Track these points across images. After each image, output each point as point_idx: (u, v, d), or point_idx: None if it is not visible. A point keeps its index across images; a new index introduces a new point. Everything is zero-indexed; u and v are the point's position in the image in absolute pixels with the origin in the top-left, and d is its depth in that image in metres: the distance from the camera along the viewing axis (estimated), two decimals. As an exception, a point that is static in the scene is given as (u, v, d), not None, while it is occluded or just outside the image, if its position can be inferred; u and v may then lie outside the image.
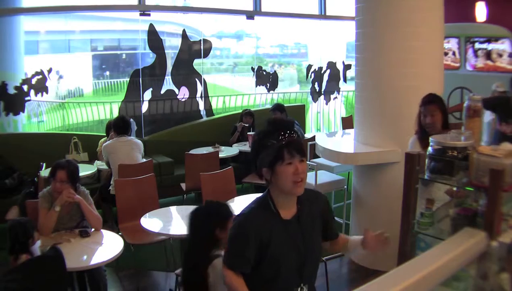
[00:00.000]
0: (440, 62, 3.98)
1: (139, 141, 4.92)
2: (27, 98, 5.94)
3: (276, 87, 7.92)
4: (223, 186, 4.25)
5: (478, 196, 1.64)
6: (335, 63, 8.47)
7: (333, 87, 8.51)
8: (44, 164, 4.66)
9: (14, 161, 5.15)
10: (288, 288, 1.79)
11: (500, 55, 6.57)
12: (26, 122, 6.24)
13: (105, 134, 5.41)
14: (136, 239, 3.70)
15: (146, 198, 4.02)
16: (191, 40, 6.89)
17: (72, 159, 5.34)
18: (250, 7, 7.27)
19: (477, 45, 6.88)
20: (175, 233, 3.31)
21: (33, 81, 5.95)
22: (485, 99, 3.20)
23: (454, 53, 7.12)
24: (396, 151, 3.69)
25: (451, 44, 7.12)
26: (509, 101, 3.65)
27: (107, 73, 7.78)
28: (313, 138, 5.07)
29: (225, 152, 5.79)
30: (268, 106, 7.36)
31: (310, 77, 8.33)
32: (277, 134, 1.71)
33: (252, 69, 7.70)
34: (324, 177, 4.52)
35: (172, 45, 6.89)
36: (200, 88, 6.98)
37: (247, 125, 6.14)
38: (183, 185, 5.11)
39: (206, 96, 7.07)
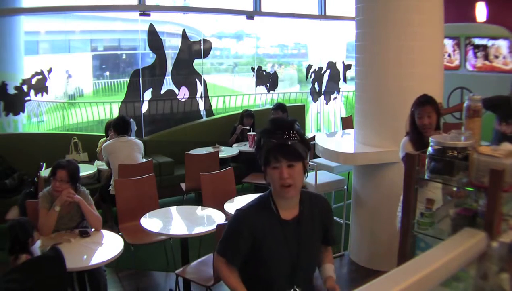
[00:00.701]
0: (440, 62, 3.98)
1: (139, 142, 4.92)
2: (27, 98, 5.94)
3: (276, 87, 7.92)
4: (223, 186, 4.25)
5: (478, 196, 1.64)
6: (335, 63, 8.47)
7: (333, 87, 8.51)
8: (44, 164, 4.66)
9: (14, 161, 5.15)
10: (280, 289, 1.79)
11: (496, 57, 6.59)
12: (26, 123, 6.24)
13: (105, 134, 5.41)
14: (136, 239, 3.70)
15: (146, 198, 4.02)
16: (191, 40, 6.89)
17: (72, 159, 5.36)
18: (250, 7, 7.27)
19: (476, 44, 6.88)
20: (175, 233, 3.31)
21: (33, 81, 5.96)
22: (485, 99, 3.21)
23: (449, 55, 7.13)
24: (396, 151, 3.67)
25: (446, 46, 7.11)
26: (509, 101, 3.65)
27: (107, 73, 7.77)
28: (313, 138, 5.07)
29: (225, 152, 5.79)
30: (268, 106, 7.37)
31: (310, 77, 8.33)
32: (271, 135, 1.69)
33: (252, 69, 7.70)
34: (324, 177, 4.52)
35: (172, 45, 6.89)
36: (200, 88, 6.98)
37: (247, 128, 6.12)
38: (183, 185, 5.11)
39: (206, 96, 7.07)
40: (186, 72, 6.89)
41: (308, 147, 1.79)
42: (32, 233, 2.86)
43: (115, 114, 6.55)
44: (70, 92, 6.87)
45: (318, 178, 4.29)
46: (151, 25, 6.39)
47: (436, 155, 1.69)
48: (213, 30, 7.81)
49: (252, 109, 6.74)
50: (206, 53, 7.01)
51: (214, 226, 3.05)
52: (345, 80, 8.56)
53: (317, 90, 8.39)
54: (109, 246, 3.03)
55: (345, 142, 4.75)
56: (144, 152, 5.04)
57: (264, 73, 7.79)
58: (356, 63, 4.15)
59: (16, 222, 2.93)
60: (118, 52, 7.73)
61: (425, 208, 1.81)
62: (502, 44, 6.25)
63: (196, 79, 6.95)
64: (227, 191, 4.19)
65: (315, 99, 8.44)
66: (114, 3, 6.15)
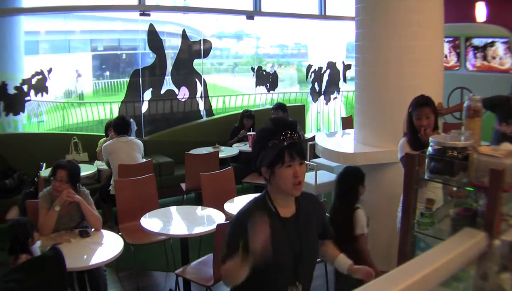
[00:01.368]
0: (440, 62, 3.97)
1: (139, 142, 4.92)
2: (27, 98, 5.94)
3: (276, 87, 7.92)
4: (223, 186, 4.25)
5: (478, 196, 1.64)
6: (335, 63, 8.47)
7: (333, 87, 8.51)
8: (44, 164, 4.67)
9: (14, 161, 5.15)
10: (283, 286, 1.79)
11: (494, 58, 6.65)
12: (26, 122, 6.24)
13: (105, 134, 5.41)
14: (136, 239, 3.70)
15: (146, 198, 4.02)
16: (191, 40, 6.89)
17: (72, 159, 5.36)
18: (250, 7, 7.27)
19: (475, 46, 6.91)
20: (175, 233, 3.31)
21: (33, 81, 5.96)
22: (485, 99, 3.21)
23: (446, 56, 7.15)
24: (396, 151, 3.68)
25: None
26: (509, 101, 3.65)
27: (107, 73, 7.78)
28: (313, 138, 5.07)
29: (225, 152, 5.79)
30: (268, 106, 7.37)
31: (310, 77, 8.33)
32: (280, 134, 1.68)
33: (252, 69, 7.70)
34: (324, 177, 4.52)
35: (172, 45, 6.89)
36: (200, 88, 6.98)
37: (252, 134, 6.09)
38: (183, 185, 5.11)
39: (206, 96, 7.07)
40: (186, 72, 6.89)
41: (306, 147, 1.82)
42: (32, 233, 2.86)
43: (115, 114, 6.55)
44: (78, 91, 6.95)
45: (318, 178, 4.29)
46: (151, 25, 6.39)
47: (436, 155, 1.69)
48: (213, 30, 7.82)
49: (252, 109, 6.74)
50: (206, 53, 7.01)
51: (214, 226, 3.05)
52: (345, 80, 8.56)
53: (317, 90, 8.38)
54: (109, 246, 3.03)
55: (345, 142, 4.74)
56: (144, 151, 5.04)
57: (264, 73, 7.79)
58: (356, 63, 4.15)
59: (16, 222, 2.93)
60: (118, 52, 7.74)
61: (425, 208, 1.81)
62: (499, 46, 6.38)
63: (196, 79, 6.95)
64: (227, 191, 4.19)
65: (315, 99, 8.44)
66: (114, 3, 6.15)
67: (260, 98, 7.95)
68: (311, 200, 1.93)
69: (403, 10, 3.70)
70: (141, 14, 6.24)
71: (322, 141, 4.40)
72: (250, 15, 7.24)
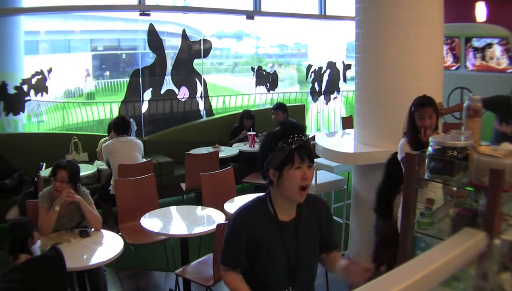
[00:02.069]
0: (440, 62, 3.97)
1: (139, 142, 4.92)
2: (27, 98, 5.94)
3: (276, 87, 7.92)
4: (223, 186, 4.25)
5: (478, 196, 1.64)
6: (335, 63, 8.47)
7: (333, 87, 8.51)
8: (44, 164, 4.67)
9: (14, 161, 5.15)
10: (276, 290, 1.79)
11: (491, 58, 6.74)
12: (26, 122, 6.24)
13: (105, 134, 5.41)
14: (136, 239, 3.70)
15: (146, 198, 4.02)
16: (191, 40, 6.90)
17: (72, 158, 5.36)
18: (250, 7, 7.27)
19: (474, 45, 6.95)
20: (175, 233, 3.32)
21: (33, 81, 5.96)
22: (485, 99, 3.21)
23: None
24: (396, 151, 3.68)
25: None
26: (510, 101, 3.65)
27: (107, 73, 7.77)
28: (313, 138, 5.06)
29: (225, 152, 5.79)
30: (268, 106, 7.37)
31: (310, 77, 8.33)
32: (289, 137, 1.69)
33: (252, 69, 7.70)
34: (324, 177, 4.52)
35: (172, 45, 6.89)
36: (200, 88, 6.98)
37: (252, 134, 6.08)
38: (183, 185, 5.11)
39: (206, 96, 7.07)
40: (186, 72, 6.89)
41: None
42: (32, 233, 2.86)
43: (115, 114, 6.55)
44: (87, 90, 7.03)
45: (318, 177, 4.29)
46: (151, 25, 6.39)
47: (436, 155, 1.69)
48: (213, 30, 7.81)
49: (252, 109, 6.74)
50: (206, 53, 7.01)
51: (214, 226, 3.05)
52: (345, 80, 8.56)
53: (317, 90, 8.39)
54: (109, 246, 3.03)
55: (345, 142, 4.74)
56: (144, 151, 5.04)
57: (264, 73, 7.79)
58: (356, 63, 4.15)
59: (16, 222, 2.93)
60: (118, 52, 7.73)
61: (425, 208, 1.81)
62: (497, 48, 6.54)
63: (196, 79, 6.95)
64: (227, 190, 4.19)
65: (315, 99, 8.45)
66: (114, 3, 6.15)
67: (260, 98, 7.95)
68: (318, 205, 1.90)
69: (403, 10, 3.70)
70: (141, 14, 6.24)
71: (322, 141, 4.40)
72: (250, 15, 7.24)
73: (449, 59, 7.20)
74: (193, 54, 6.91)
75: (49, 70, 6.05)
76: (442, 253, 1.32)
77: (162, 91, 6.69)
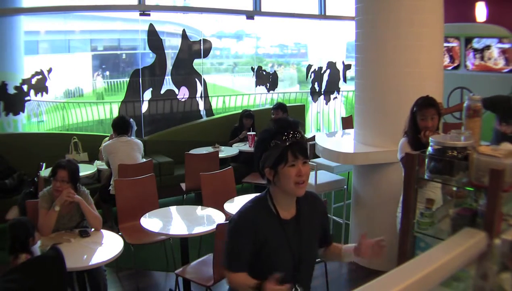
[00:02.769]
0: (440, 62, 3.98)
1: (139, 142, 4.92)
2: (27, 98, 5.94)
3: (276, 87, 7.92)
4: (223, 186, 4.25)
5: (478, 196, 1.64)
6: (335, 63, 8.47)
7: (333, 87, 8.51)
8: (44, 164, 4.67)
9: (14, 161, 5.15)
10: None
11: (489, 58, 6.84)
12: (26, 122, 6.24)
13: (105, 134, 5.41)
14: (136, 239, 3.70)
15: (146, 198, 4.02)
16: (191, 40, 6.90)
17: (72, 158, 5.35)
18: (250, 7, 7.27)
19: (474, 46, 7.00)
20: (175, 233, 3.31)
21: (33, 81, 5.96)
22: (485, 99, 3.21)
23: None
24: (396, 151, 3.68)
25: None
26: (510, 101, 3.64)
27: (107, 73, 7.77)
28: (313, 138, 5.07)
29: (225, 152, 5.79)
30: (268, 106, 7.37)
31: (310, 77, 8.33)
32: (282, 134, 1.69)
33: (252, 69, 7.70)
34: (324, 177, 4.52)
35: (172, 45, 6.89)
36: (200, 88, 6.98)
37: (252, 133, 6.08)
38: (183, 185, 5.11)
39: (206, 96, 7.07)
40: (186, 72, 6.89)
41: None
42: (33, 233, 2.86)
43: (115, 114, 6.55)
44: (98, 90, 7.10)
45: (318, 177, 4.29)
46: (151, 25, 6.39)
47: (436, 155, 1.69)
48: (213, 30, 7.81)
49: (252, 109, 6.74)
50: (206, 53, 7.01)
51: (214, 226, 3.05)
52: (345, 80, 8.56)
53: (317, 90, 8.39)
54: (109, 246, 3.03)
55: (345, 142, 4.75)
56: (144, 151, 5.04)
57: (264, 73, 7.79)
58: (356, 63, 4.15)
59: (17, 221, 2.94)
60: (118, 52, 7.73)
61: (425, 208, 1.81)
62: (494, 50, 6.73)
63: (196, 79, 6.95)
64: (227, 190, 4.19)
65: (315, 99, 8.45)
66: (114, 3, 6.15)
67: (260, 98, 7.95)
68: (315, 201, 1.92)
69: (403, 10, 3.70)
70: (141, 14, 6.24)
71: (322, 141, 4.40)
72: (250, 15, 7.24)
73: (445, 60, 7.24)
74: (193, 54, 6.91)
75: (49, 70, 6.05)
76: (442, 253, 1.32)
77: (162, 91, 6.69)
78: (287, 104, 6.45)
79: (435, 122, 2.84)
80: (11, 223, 2.97)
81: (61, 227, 3.20)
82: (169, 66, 6.74)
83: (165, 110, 6.76)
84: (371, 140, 3.97)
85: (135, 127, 5.67)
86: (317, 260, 2.06)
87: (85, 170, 4.90)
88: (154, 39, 6.49)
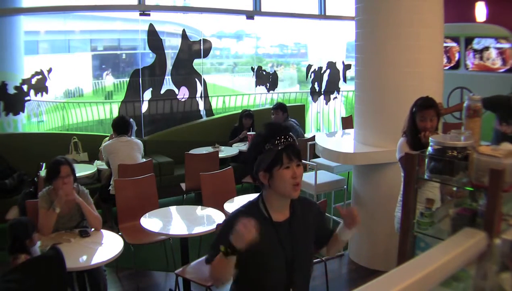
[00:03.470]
0: (440, 62, 3.98)
1: (139, 142, 4.92)
2: (27, 98, 5.94)
3: (276, 87, 7.92)
4: (223, 185, 4.25)
5: (478, 196, 1.64)
6: (335, 63, 8.47)
7: (333, 87, 8.51)
8: (44, 164, 4.66)
9: (14, 161, 5.15)
10: None
11: (488, 59, 6.90)
12: (26, 122, 6.24)
13: (105, 134, 5.41)
14: (136, 239, 3.70)
15: (146, 198, 4.02)
16: (191, 40, 6.89)
17: (72, 158, 5.36)
18: (250, 7, 7.27)
19: (474, 47, 7.04)
20: (175, 233, 3.31)
21: (33, 81, 5.96)
22: (485, 99, 3.20)
23: None
24: (396, 151, 3.68)
25: None
26: (510, 101, 3.65)
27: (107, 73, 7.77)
28: (313, 138, 5.07)
29: (225, 151, 5.79)
30: (268, 106, 7.37)
31: (310, 77, 8.33)
32: (275, 138, 1.72)
33: (252, 69, 7.70)
34: (324, 176, 4.52)
35: (172, 45, 6.89)
36: (200, 88, 6.98)
37: (252, 133, 6.08)
38: (183, 185, 5.11)
39: (206, 96, 7.07)
40: (186, 72, 6.89)
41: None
42: (32, 233, 2.86)
43: (115, 114, 6.55)
44: (107, 89, 7.14)
45: (318, 177, 4.29)
46: (151, 25, 6.39)
47: (436, 155, 1.69)
48: (213, 30, 7.81)
49: (252, 109, 6.74)
50: (206, 53, 7.01)
51: (214, 226, 3.05)
52: (345, 80, 8.56)
53: (317, 90, 8.39)
54: (109, 246, 3.03)
55: (345, 142, 4.75)
56: (144, 151, 5.04)
57: (264, 73, 7.79)
58: (356, 63, 4.15)
59: (17, 221, 2.94)
60: (118, 52, 7.74)
61: (425, 208, 1.81)
62: (493, 51, 6.83)
63: (196, 79, 6.95)
64: (227, 190, 4.19)
65: (315, 99, 8.45)
66: (114, 3, 6.15)
67: (260, 98, 7.95)
68: (310, 207, 1.93)
69: (403, 10, 3.70)
70: (141, 14, 6.24)
71: (322, 141, 4.40)
72: (250, 15, 7.24)
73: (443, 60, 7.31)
74: (193, 54, 6.90)
75: (49, 70, 6.05)
76: (442, 253, 1.32)
77: (162, 91, 6.69)
78: (287, 104, 6.45)
79: (434, 123, 2.84)
80: (10, 223, 2.97)
81: (61, 227, 3.20)
82: (169, 66, 6.74)
83: (165, 110, 6.76)
84: (371, 140, 3.97)
85: (135, 127, 5.67)
86: (314, 260, 2.06)
87: (85, 170, 4.91)
88: (154, 39, 6.49)
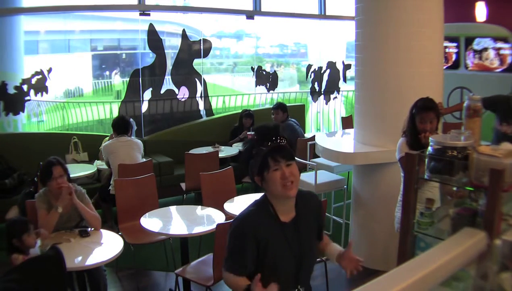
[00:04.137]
0: (440, 62, 3.98)
1: (139, 141, 4.92)
2: (27, 98, 5.94)
3: (276, 87, 7.92)
4: (223, 185, 4.25)
5: (478, 196, 1.64)
6: (335, 63, 8.47)
7: (333, 87, 8.51)
8: (44, 164, 4.66)
9: (14, 161, 5.15)
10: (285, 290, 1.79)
11: (486, 59, 6.95)
12: (26, 122, 6.24)
13: (105, 134, 5.41)
14: (136, 239, 3.70)
15: (146, 198, 4.02)
16: (191, 40, 6.89)
17: (72, 158, 5.36)
18: (250, 7, 7.27)
19: (474, 48, 7.06)
20: (175, 232, 3.31)
21: (33, 81, 5.96)
22: (485, 99, 3.20)
23: None
24: (396, 151, 3.68)
25: None
26: (509, 101, 3.64)
27: (107, 73, 7.78)
28: (313, 138, 5.07)
29: (225, 151, 5.79)
30: (268, 106, 7.37)
31: (310, 77, 8.33)
32: (262, 142, 1.74)
33: (252, 69, 7.70)
34: (324, 176, 4.52)
35: (172, 45, 6.89)
36: (200, 88, 6.98)
37: (252, 133, 6.09)
38: (183, 185, 5.11)
39: (206, 96, 7.07)
40: (186, 72, 6.89)
41: (294, 148, 1.86)
42: (29, 228, 2.85)
43: (115, 114, 6.55)
44: (117, 87, 7.20)
45: (318, 177, 4.29)
46: (151, 25, 6.39)
47: (436, 155, 1.69)
48: (213, 30, 7.82)
49: (252, 109, 6.74)
50: (206, 53, 7.01)
51: (214, 226, 3.05)
52: (345, 80, 8.56)
53: (317, 90, 8.39)
54: (109, 245, 3.03)
55: (345, 142, 4.75)
56: (144, 151, 5.04)
57: (264, 73, 7.79)
58: (356, 63, 4.15)
59: (14, 219, 2.96)
60: (118, 52, 7.74)
61: (425, 207, 1.81)
62: (491, 51, 6.89)
63: (196, 79, 6.95)
64: (227, 190, 4.19)
65: (315, 99, 8.45)
66: (114, 3, 6.15)
67: (260, 98, 7.95)
68: (311, 200, 1.93)
69: (403, 10, 3.70)
70: (141, 14, 6.24)
71: (322, 141, 4.40)
72: (250, 15, 7.24)
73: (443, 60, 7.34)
74: (193, 54, 6.90)
75: (49, 70, 6.04)
76: (442, 253, 1.32)
77: (162, 91, 6.69)
78: (287, 104, 6.45)
79: (434, 125, 2.84)
80: (8, 222, 2.97)
81: (60, 226, 3.19)
82: (169, 66, 6.74)
83: (165, 110, 6.76)
84: (371, 140, 3.97)
85: (135, 127, 5.67)
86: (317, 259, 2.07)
87: (85, 170, 4.91)
88: (154, 39, 6.49)
